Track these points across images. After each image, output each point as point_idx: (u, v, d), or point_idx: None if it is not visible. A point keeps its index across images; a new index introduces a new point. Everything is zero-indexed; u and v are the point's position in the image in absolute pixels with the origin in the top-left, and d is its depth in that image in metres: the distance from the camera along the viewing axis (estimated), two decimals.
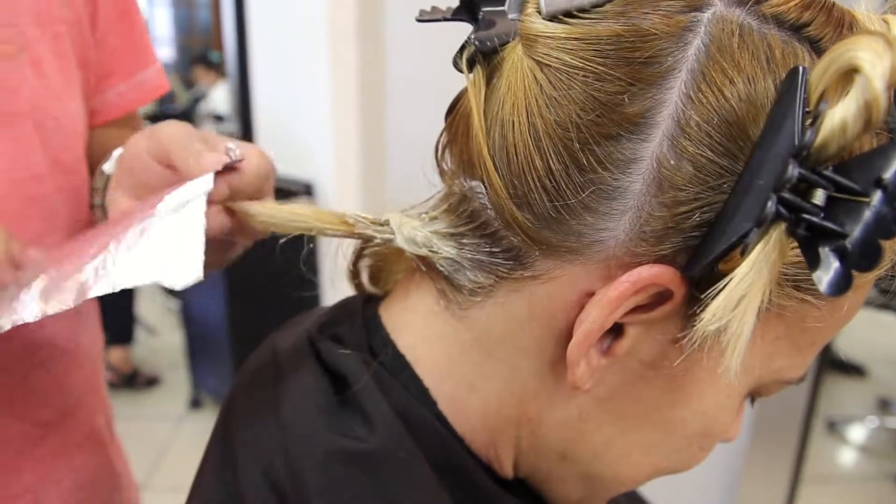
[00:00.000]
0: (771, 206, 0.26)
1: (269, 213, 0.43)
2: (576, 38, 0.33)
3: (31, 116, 0.55)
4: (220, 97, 3.92)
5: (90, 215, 0.61)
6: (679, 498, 1.60)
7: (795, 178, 0.26)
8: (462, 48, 0.36)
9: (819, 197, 0.27)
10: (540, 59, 0.33)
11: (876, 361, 3.12)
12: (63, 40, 0.58)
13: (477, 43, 0.35)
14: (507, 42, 0.35)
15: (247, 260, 0.55)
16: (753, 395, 0.40)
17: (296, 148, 2.54)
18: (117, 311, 2.82)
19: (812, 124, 0.27)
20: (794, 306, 0.34)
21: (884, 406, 2.87)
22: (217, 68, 4.15)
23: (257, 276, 2.14)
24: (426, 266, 0.40)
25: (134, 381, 2.86)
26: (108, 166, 0.53)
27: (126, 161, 0.49)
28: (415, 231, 0.38)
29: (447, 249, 0.37)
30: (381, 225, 0.40)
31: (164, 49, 4.85)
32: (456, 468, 0.39)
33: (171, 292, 3.17)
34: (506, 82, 0.35)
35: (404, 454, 0.37)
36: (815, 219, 0.27)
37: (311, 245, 0.45)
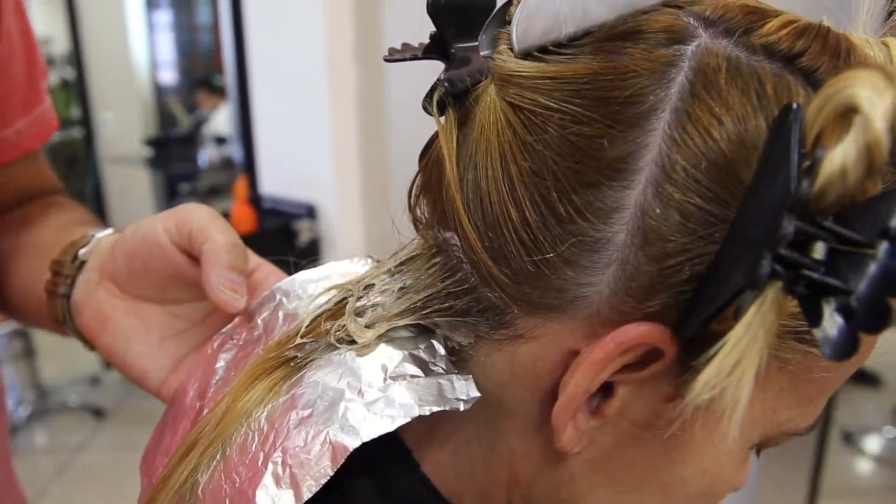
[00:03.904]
0: (766, 265, 0.24)
1: None
2: (550, 77, 0.30)
3: None
4: (222, 119, 3.91)
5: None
6: None
7: (791, 235, 0.24)
8: (432, 90, 0.34)
9: (819, 250, 0.25)
10: (513, 100, 0.31)
11: (891, 370, 3.06)
12: None
13: (447, 84, 0.33)
14: (480, 81, 0.33)
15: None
16: (759, 447, 0.37)
17: (297, 170, 2.53)
18: None
19: (809, 169, 0.25)
20: (797, 358, 0.31)
21: None
22: (220, 91, 4.15)
23: None
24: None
25: None
26: (85, 252, 0.47)
27: (128, 253, 0.43)
28: (366, 333, 0.36)
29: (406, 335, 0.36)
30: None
31: (167, 73, 4.86)
32: None
33: None
34: (478, 126, 0.32)
35: None
36: (815, 275, 0.24)
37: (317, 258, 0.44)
